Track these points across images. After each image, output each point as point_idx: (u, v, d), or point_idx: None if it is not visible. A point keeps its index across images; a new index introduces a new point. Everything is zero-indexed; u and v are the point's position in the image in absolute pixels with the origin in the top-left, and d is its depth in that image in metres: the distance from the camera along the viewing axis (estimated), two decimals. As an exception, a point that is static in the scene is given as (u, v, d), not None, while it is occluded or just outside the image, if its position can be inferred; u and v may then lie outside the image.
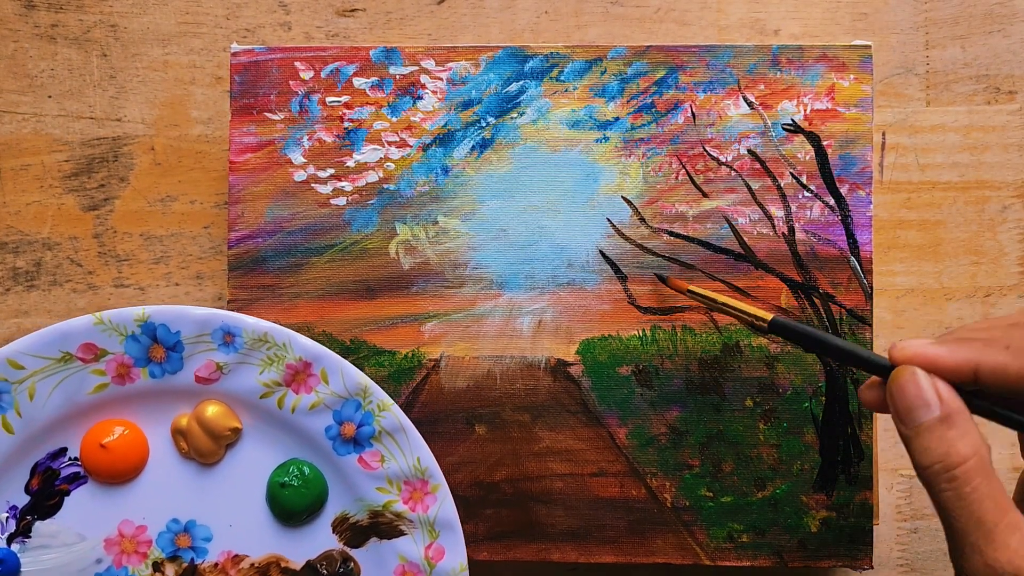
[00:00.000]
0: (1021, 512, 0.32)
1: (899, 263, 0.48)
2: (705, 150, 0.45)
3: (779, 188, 0.45)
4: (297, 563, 0.43)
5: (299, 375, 0.42)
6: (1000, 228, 0.48)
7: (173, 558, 0.43)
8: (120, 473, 0.43)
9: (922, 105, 0.49)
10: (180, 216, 0.49)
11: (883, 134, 0.49)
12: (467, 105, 0.45)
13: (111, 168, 0.49)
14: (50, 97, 0.49)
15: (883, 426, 0.48)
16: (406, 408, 0.45)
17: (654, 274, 0.44)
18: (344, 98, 0.45)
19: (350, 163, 0.45)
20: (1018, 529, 0.31)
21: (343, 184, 0.45)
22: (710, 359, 0.45)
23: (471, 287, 0.45)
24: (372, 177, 0.45)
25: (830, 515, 0.44)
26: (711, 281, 0.45)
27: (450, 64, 0.45)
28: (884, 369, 0.35)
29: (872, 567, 0.44)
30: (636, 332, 0.45)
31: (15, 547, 0.42)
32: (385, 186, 0.45)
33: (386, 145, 0.46)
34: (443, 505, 0.42)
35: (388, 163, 0.45)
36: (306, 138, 0.45)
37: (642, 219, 0.45)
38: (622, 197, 0.45)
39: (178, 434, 0.43)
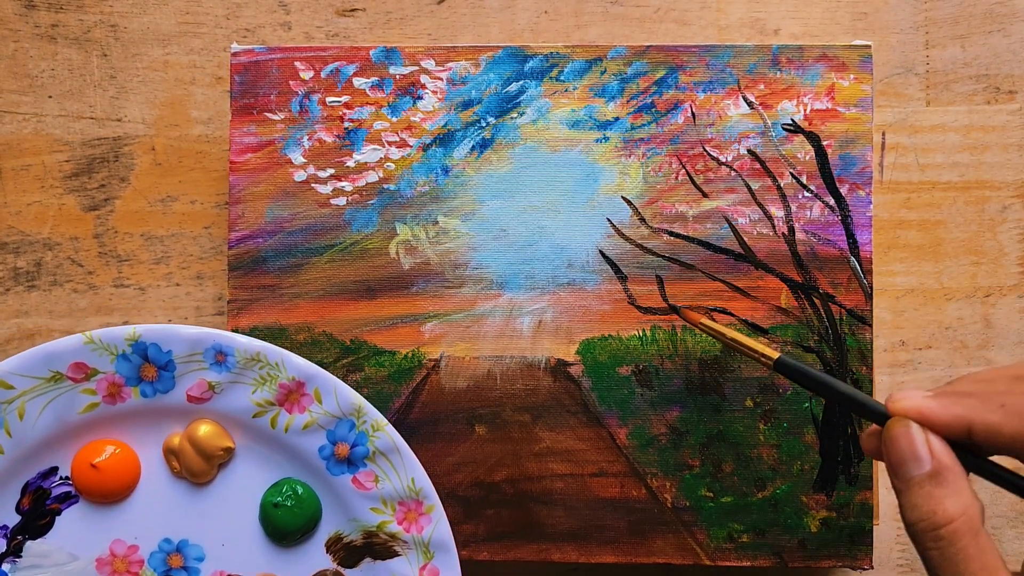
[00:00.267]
0: None
1: (899, 263, 0.48)
2: (705, 150, 0.45)
3: (779, 188, 0.45)
4: None
5: (292, 394, 0.42)
6: (1000, 228, 0.48)
7: None
8: (112, 493, 0.42)
9: (922, 105, 0.49)
10: (180, 216, 0.49)
11: (883, 134, 0.49)
12: (467, 105, 0.45)
13: (112, 168, 0.49)
14: (50, 97, 0.49)
15: (883, 426, 0.48)
16: (406, 408, 0.45)
17: (669, 306, 0.44)
18: (344, 98, 0.45)
19: (350, 163, 0.45)
20: None
21: (343, 184, 0.45)
22: (710, 359, 0.45)
23: (471, 287, 0.45)
24: (372, 177, 0.45)
25: (830, 515, 0.44)
26: (711, 281, 0.45)
27: (450, 64, 0.45)
28: (882, 417, 0.34)
29: (872, 567, 0.44)
30: (636, 332, 0.45)
31: (6, 567, 0.42)
32: (385, 186, 0.45)
33: (386, 145, 0.46)
34: (438, 526, 0.42)
35: (388, 163, 0.45)
36: (306, 138, 0.45)
37: (642, 219, 0.45)
38: (622, 197, 0.45)
39: (170, 454, 0.43)
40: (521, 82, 0.45)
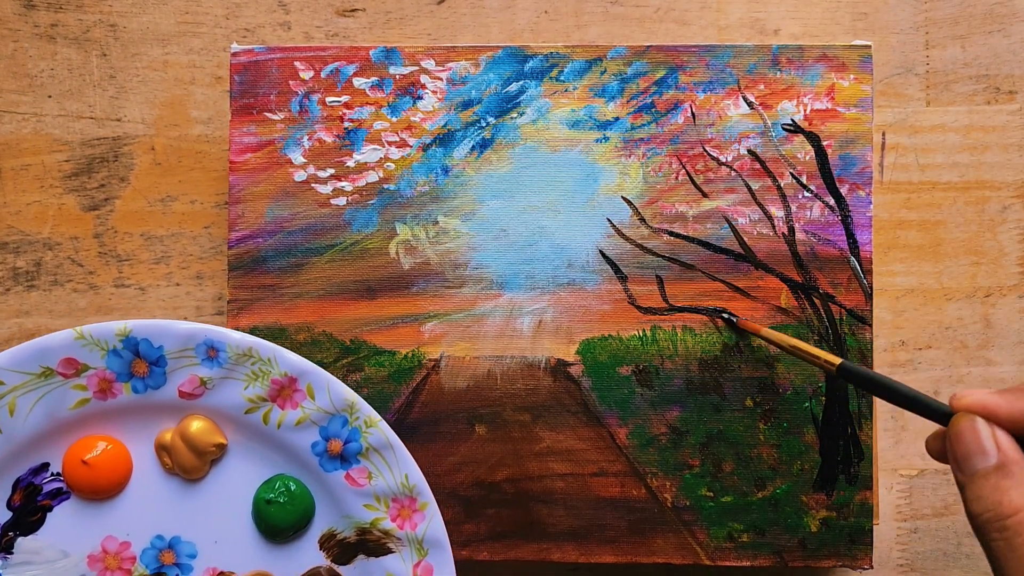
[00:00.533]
0: None
1: (899, 263, 0.48)
2: (705, 150, 0.45)
3: (779, 188, 0.45)
4: None
5: (285, 390, 0.42)
6: (1000, 228, 0.48)
7: (158, 575, 0.42)
8: (103, 489, 0.42)
9: (922, 105, 0.49)
10: (180, 216, 0.49)
11: (883, 134, 0.49)
12: (467, 105, 0.45)
13: (111, 168, 0.49)
14: (50, 97, 0.49)
15: (883, 426, 0.48)
16: (406, 408, 0.45)
17: (721, 317, 0.44)
18: (344, 98, 0.45)
19: (350, 163, 0.45)
20: None
21: (343, 184, 0.45)
22: (710, 359, 0.45)
23: (471, 287, 0.45)
24: (372, 177, 0.45)
25: (830, 515, 0.44)
26: (711, 281, 0.45)
27: (450, 64, 0.45)
28: (946, 417, 0.35)
29: (872, 567, 0.44)
30: (636, 332, 0.45)
31: None
32: (385, 186, 0.45)
33: (386, 145, 0.46)
34: (432, 523, 0.42)
35: (388, 163, 0.45)
36: (306, 138, 0.45)
37: (642, 219, 0.45)
38: (622, 197, 0.45)
39: (162, 450, 0.43)
40: (521, 82, 0.45)
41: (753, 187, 0.45)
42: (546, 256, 0.45)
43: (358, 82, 0.45)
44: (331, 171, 0.45)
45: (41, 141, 0.49)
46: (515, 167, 0.45)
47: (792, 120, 0.45)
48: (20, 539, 0.42)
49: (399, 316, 0.45)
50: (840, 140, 0.45)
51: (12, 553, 0.42)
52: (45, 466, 0.42)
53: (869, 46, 0.45)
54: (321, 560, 0.43)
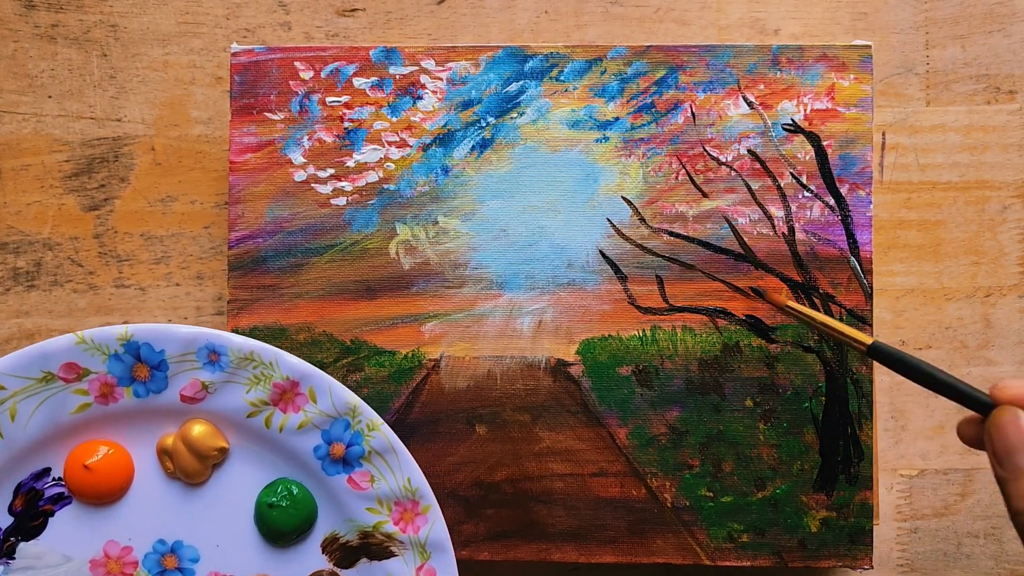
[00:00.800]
0: None
1: (899, 263, 0.48)
2: (705, 150, 0.45)
3: (779, 188, 0.45)
4: None
5: (286, 394, 0.42)
6: (1000, 228, 0.48)
7: None
8: (105, 494, 0.42)
9: (922, 105, 0.49)
10: (180, 216, 0.49)
11: (883, 134, 0.49)
12: (467, 105, 0.45)
13: (111, 168, 0.49)
14: (50, 97, 0.49)
15: (883, 426, 0.48)
16: (406, 408, 0.45)
17: (751, 288, 0.43)
18: (344, 98, 0.45)
19: (350, 163, 0.45)
20: None
21: (343, 184, 0.45)
22: (710, 359, 0.45)
23: (471, 287, 0.45)
24: (372, 177, 0.45)
25: (830, 515, 0.44)
26: (711, 281, 0.45)
27: (450, 64, 0.45)
28: (984, 407, 0.34)
29: (872, 567, 0.44)
30: (636, 332, 0.45)
31: None
32: (385, 186, 0.45)
33: (386, 145, 0.46)
34: (434, 526, 0.42)
35: (388, 163, 0.45)
36: (306, 138, 0.45)
37: (642, 219, 0.45)
38: (622, 197, 0.45)
39: (164, 454, 0.43)
40: (521, 82, 0.45)
41: (753, 187, 0.45)
42: (546, 256, 0.45)
43: (358, 82, 0.45)
44: (331, 171, 0.45)
45: (41, 141, 0.49)
46: (515, 167, 0.45)
47: (792, 120, 0.45)
48: (22, 544, 0.42)
49: (399, 316, 0.45)
50: (840, 140, 0.45)
51: (14, 558, 0.42)
52: (46, 471, 0.42)
53: (869, 46, 0.45)
54: (324, 564, 0.43)
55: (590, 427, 0.45)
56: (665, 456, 0.45)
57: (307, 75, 0.45)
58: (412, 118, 0.46)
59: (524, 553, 0.45)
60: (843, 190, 0.45)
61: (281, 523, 0.42)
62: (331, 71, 0.45)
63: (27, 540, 0.42)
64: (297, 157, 0.45)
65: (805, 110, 0.45)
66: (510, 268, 0.45)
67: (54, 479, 0.42)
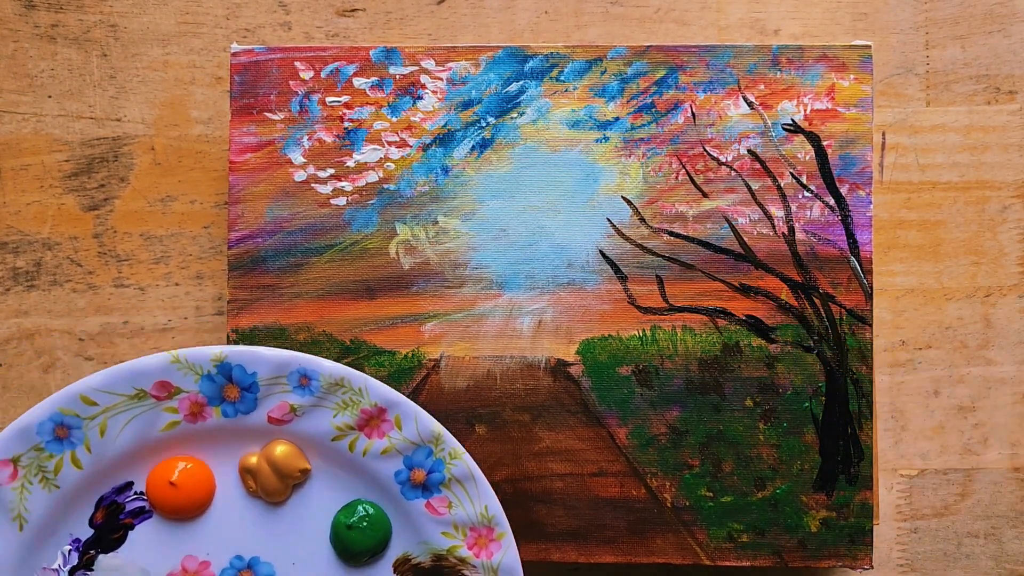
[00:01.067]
0: None
1: (899, 263, 0.48)
2: (705, 150, 0.45)
3: (779, 188, 0.45)
4: None
5: (373, 420, 0.42)
6: (1000, 228, 0.48)
7: None
8: (186, 509, 0.42)
9: (922, 105, 0.49)
10: (180, 216, 0.49)
11: (883, 134, 0.49)
12: (467, 105, 0.45)
13: (111, 168, 0.49)
14: (50, 97, 0.49)
15: (883, 426, 0.48)
16: (406, 408, 0.45)
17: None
18: (344, 98, 0.45)
19: (350, 163, 0.45)
20: None
21: (343, 184, 0.45)
22: (710, 359, 0.45)
23: (471, 287, 0.45)
24: (372, 177, 0.45)
25: (830, 515, 0.44)
26: (711, 281, 0.45)
27: (450, 64, 0.45)
28: None
29: (872, 567, 0.44)
30: (636, 332, 0.45)
31: None
32: (385, 186, 0.45)
33: (386, 145, 0.46)
34: (507, 552, 0.42)
35: (388, 163, 0.45)
36: (306, 138, 0.45)
37: (642, 219, 0.45)
38: (622, 197, 0.45)
39: (246, 472, 0.43)
40: (521, 82, 0.45)
41: (753, 187, 0.45)
42: (546, 256, 0.45)
43: (358, 82, 0.45)
44: (331, 171, 0.45)
45: (41, 141, 0.49)
46: (515, 167, 0.45)
47: (792, 120, 0.45)
48: (101, 556, 0.42)
49: (399, 316, 0.45)
50: (840, 140, 0.45)
51: (92, 570, 0.42)
52: (129, 485, 0.43)
53: (869, 46, 0.45)
54: None
55: (590, 427, 0.45)
56: (665, 456, 0.45)
57: (307, 75, 0.45)
58: (412, 118, 0.46)
59: (524, 553, 0.45)
60: (843, 190, 0.45)
61: (358, 543, 0.42)
62: (331, 71, 0.45)
63: (106, 553, 0.42)
64: (297, 157, 0.45)
65: (805, 110, 0.45)
66: (510, 268, 0.45)
67: (136, 493, 0.43)
